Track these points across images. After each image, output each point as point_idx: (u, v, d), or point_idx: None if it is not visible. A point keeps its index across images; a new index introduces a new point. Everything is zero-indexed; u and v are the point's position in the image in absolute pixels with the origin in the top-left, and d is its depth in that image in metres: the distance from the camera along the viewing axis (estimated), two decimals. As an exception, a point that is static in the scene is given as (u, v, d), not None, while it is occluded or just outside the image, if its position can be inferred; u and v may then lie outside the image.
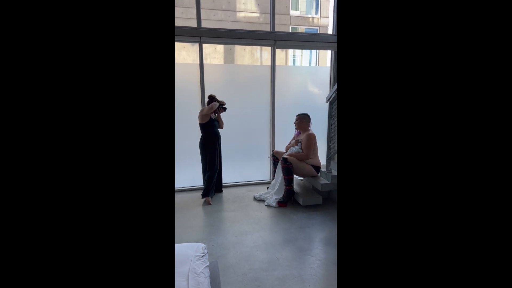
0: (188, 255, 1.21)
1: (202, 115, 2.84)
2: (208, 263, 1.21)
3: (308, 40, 3.32)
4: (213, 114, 2.94)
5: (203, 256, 1.24)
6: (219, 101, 2.92)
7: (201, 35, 2.93)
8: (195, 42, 2.98)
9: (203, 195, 2.91)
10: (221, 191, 3.17)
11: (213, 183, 2.94)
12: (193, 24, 2.97)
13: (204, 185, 2.94)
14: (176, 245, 1.32)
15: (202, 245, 1.33)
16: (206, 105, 2.91)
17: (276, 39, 3.12)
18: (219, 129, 2.99)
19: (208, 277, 1.14)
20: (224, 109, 2.96)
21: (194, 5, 2.96)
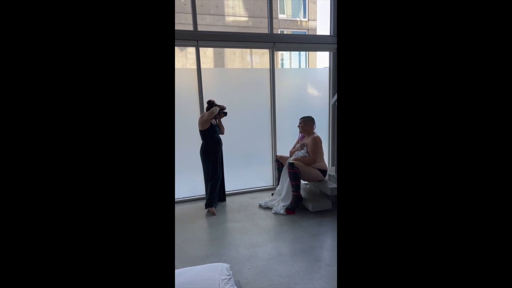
0: (214, 279, 1.09)
1: (202, 121, 2.70)
2: (236, 287, 1.09)
3: (307, 42, 3.28)
4: (214, 119, 2.81)
5: (230, 279, 1.12)
6: (219, 105, 2.79)
7: (198, 38, 2.81)
8: (192, 46, 2.86)
9: (207, 206, 2.76)
10: (225, 199, 3.04)
11: (216, 192, 2.81)
12: (182, 28, 2.84)
13: (206, 195, 2.80)
14: (198, 267, 1.20)
15: (226, 265, 1.21)
16: (205, 111, 2.78)
17: (275, 41, 3.04)
18: (220, 135, 2.87)
19: (240, 304, 1.02)
20: (225, 114, 2.84)
21: (182, 10, 2.85)
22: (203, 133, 2.74)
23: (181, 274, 1.13)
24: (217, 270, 1.15)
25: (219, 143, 2.82)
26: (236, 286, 1.20)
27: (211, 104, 2.78)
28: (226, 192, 3.11)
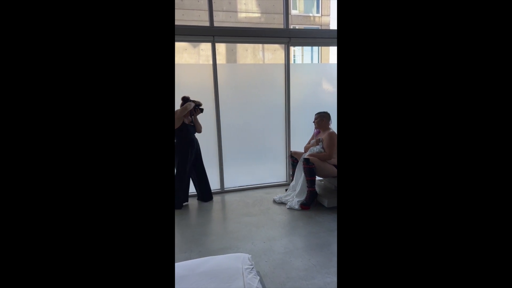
0: (237, 268, 1.11)
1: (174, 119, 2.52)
2: (259, 277, 1.11)
3: (323, 37, 3.24)
4: (189, 117, 2.66)
5: (252, 268, 1.14)
6: (195, 101, 2.63)
7: (214, 34, 2.83)
8: (208, 41, 2.88)
9: (176, 207, 2.70)
10: (210, 199, 2.92)
11: (180, 194, 2.68)
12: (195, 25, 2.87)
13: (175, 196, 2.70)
14: (220, 256, 1.22)
15: (247, 255, 1.23)
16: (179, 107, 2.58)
17: (291, 36, 3.03)
18: (196, 134, 2.71)
19: (263, 293, 1.04)
20: (201, 110, 2.67)
21: (196, 7, 2.86)
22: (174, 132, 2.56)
23: (204, 263, 1.15)
24: (239, 259, 1.17)
25: (191, 144, 2.64)
26: (259, 276, 1.23)
27: (185, 100, 2.61)
28: (239, 187, 3.13)
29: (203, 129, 2.94)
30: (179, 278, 1.06)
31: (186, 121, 2.63)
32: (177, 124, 2.56)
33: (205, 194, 2.89)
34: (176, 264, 1.20)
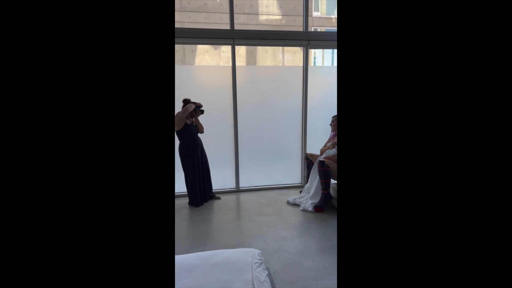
0: (247, 261, 1.16)
1: (176, 121, 2.57)
2: (267, 272, 1.16)
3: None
4: (191, 119, 2.74)
5: (261, 263, 1.19)
6: (195, 103, 2.71)
7: (234, 37, 2.92)
8: (228, 44, 2.97)
9: (190, 204, 2.80)
10: (209, 199, 2.95)
11: (197, 193, 2.78)
12: (216, 27, 2.95)
13: (188, 195, 2.81)
14: (231, 250, 1.28)
15: (257, 251, 1.28)
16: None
17: (309, 39, 3.05)
18: (199, 134, 2.79)
19: (271, 286, 1.09)
20: (202, 112, 2.74)
21: (218, 10, 2.96)
22: (178, 133, 2.65)
23: (217, 255, 1.22)
24: (249, 254, 1.23)
25: (196, 143, 2.72)
26: (267, 271, 1.27)
27: (186, 102, 2.68)
28: (256, 187, 3.19)
29: (220, 129, 3.05)
30: (193, 267, 1.13)
31: (188, 122, 2.71)
32: (179, 126, 2.62)
33: (208, 194, 2.95)
34: (190, 254, 1.27)
